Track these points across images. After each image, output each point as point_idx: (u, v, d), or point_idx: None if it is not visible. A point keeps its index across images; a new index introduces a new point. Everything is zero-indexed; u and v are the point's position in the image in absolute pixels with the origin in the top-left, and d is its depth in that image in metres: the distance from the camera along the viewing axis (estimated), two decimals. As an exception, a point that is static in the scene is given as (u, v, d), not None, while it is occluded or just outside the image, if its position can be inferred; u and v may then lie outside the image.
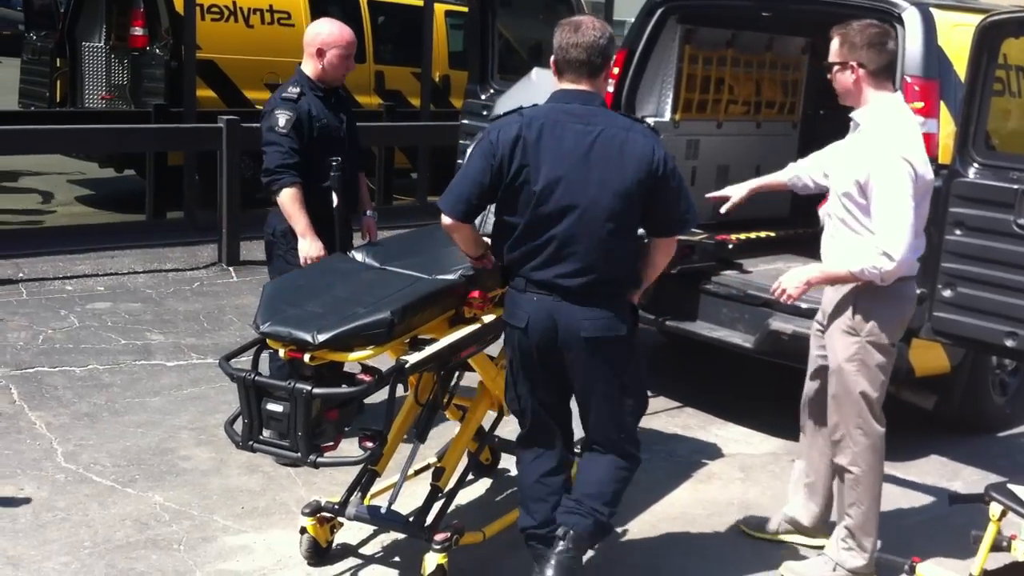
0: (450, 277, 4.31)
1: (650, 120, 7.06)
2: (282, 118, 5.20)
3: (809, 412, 4.89)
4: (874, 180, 4.28)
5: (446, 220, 4.03)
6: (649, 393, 6.90)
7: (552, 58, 4.01)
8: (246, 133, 8.58)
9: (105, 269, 8.76)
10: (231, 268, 9.08)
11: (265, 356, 4.34)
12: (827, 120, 8.56)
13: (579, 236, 3.93)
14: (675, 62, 7.21)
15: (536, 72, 5.41)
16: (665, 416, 6.66)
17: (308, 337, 3.89)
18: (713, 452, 6.20)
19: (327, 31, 5.45)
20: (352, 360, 3.98)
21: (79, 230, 9.80)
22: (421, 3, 11.94)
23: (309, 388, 3.86)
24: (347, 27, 5.51)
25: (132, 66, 11.87)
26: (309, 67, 5.43)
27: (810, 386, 4.87)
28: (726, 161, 7.78)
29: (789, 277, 4.49)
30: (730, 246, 6.79)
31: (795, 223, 7.95)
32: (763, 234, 7.48)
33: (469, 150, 4.05)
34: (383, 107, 12.08)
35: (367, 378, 3.95)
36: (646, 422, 6.01)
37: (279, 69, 11.78)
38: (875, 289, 4.38)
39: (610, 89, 7.06)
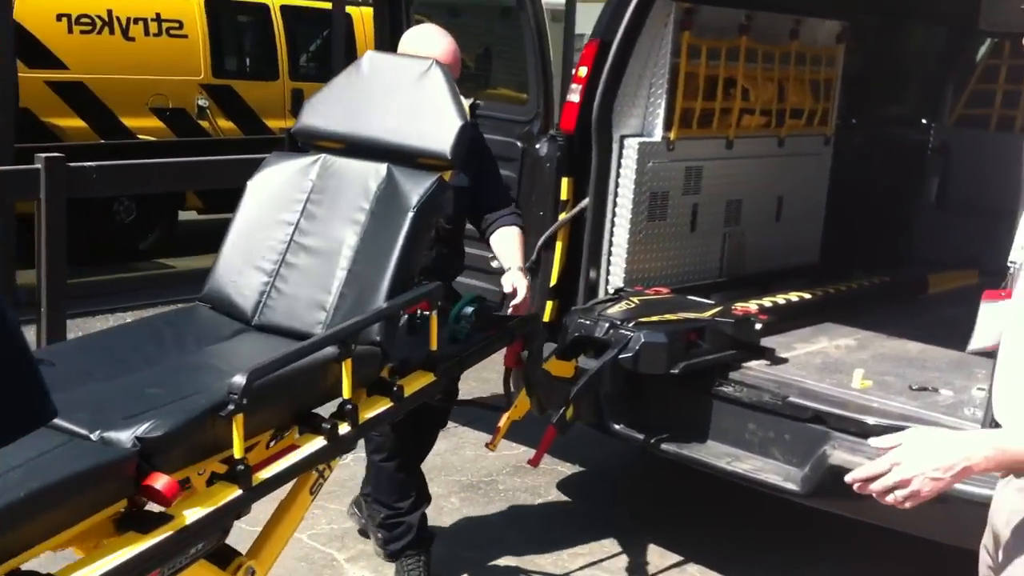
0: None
1: (634, 140, 4.89)
2: None
3: None
4: None
5: None
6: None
7: None
8: (77, 174, 6.24)
9: None
10: (58, 360, 6.62)
11: None
12: (863, 132, 6.58)
13: None
14: (668, 57, 5.03)
15: (370, 58, 3.41)
16: (664, 583, 4.46)
17: None
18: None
19: (409, 39, 4.02)
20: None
21: None
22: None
23: None
24: (445, 36, 3.97)
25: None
26: None
27: None
28: (739, 194, 5.66)
29: (914, 459, 2.06)
30: (758, 325, 4.55)
31: (830, 274, 5.84)
32: (794, 297, 5.29)
33: None
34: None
35: None
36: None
37: (168, 90, 9.59)
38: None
39: (575, 99, 4.89)
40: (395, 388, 2.99)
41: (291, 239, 3.23)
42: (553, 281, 4.95)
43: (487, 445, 4.10)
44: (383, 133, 3.28)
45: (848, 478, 2.16)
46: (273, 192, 3.32)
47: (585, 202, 4.90)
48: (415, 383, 3.10)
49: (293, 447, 2.71)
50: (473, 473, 5.42)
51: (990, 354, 2.70)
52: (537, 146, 4.97)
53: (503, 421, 3.99)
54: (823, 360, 4.66)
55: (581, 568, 4.57)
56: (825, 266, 5.98)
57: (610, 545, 4.78)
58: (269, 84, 10.36)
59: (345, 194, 3.22)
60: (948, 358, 4.67)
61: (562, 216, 4.91)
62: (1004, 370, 2.28)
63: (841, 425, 4.03)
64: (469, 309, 3.47)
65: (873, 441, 2.17)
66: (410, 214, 3.06)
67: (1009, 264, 2.50)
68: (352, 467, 4.89)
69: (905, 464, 2.05)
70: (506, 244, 3.99)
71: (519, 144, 5.00)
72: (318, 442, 2.74)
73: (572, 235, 4.96)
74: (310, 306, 3.10)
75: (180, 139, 9.58)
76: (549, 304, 4.95)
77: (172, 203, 9.46)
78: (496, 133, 5.03)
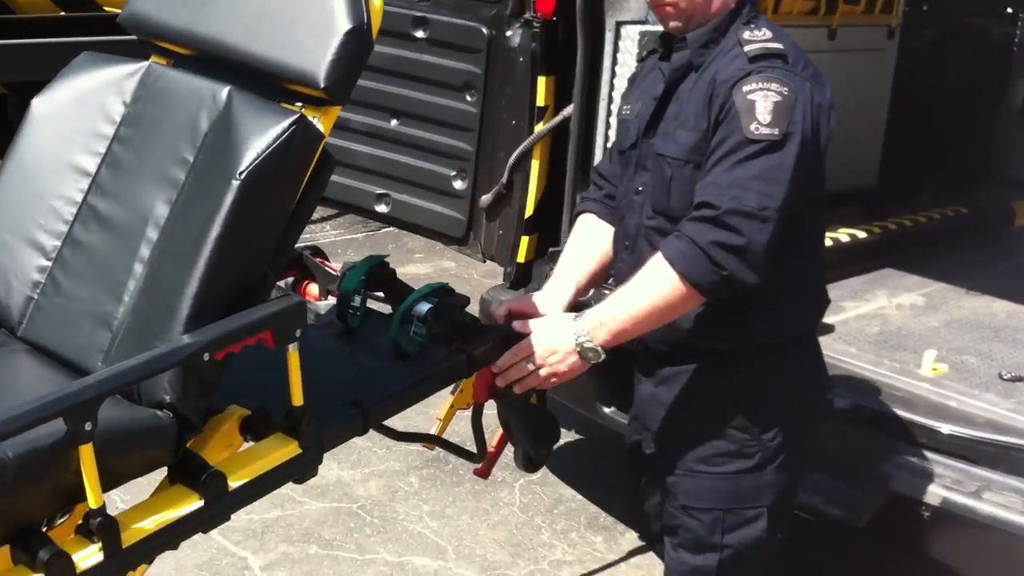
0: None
1: (634, 29, 3.71)
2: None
3: None
4: None
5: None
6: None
7: None
8: None
9: None
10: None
11: None
12: (936, 22, 5.37)
13: None
14: (678, -87, 3.77)
15: None
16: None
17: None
18: None
19: None
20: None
21: None
22: None
23: None
24: None
25: None
26: None
27: None
28: (775, 99, 4.36)
29: None
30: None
31: (892, 201, 4.68)
32: (844, 235, 4.18)
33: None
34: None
35: None
36: None
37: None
38: None
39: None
40: (204, 476, 1.86)
41: (84, 199, 2.10)
42: (529, 211, 3.86)
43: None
44: (231, 35, 2.08)
45: None
46: (69, 120, 2.18)
47: (569, 109, 3.75)
48: (255, 461, 1.94)
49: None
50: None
51: None
52: (508, 33, 3.82)
53: (443, 412, 2.79)
54: (881, 329, 3.51)
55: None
56: (885, 191, 4.81)
57: (601, 550, 3.77)
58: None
59: (165, 132, 2.06)
60: (1049, 326, 3.54)
61: (539, 127, 3.78)
62: None
63: (907, 434, 2.93)
64: (425, 306, 2.25)
65: None
66: (234, 183, 1.86)
67: None
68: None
69: None
70: (599, 255, 2.56)
71: (485, 30, 3.86)
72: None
73: (554, 151, 3.83)
74: (91, 320, 1.99)
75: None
76: (525, 241, 3.89)
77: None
78: (456, 15, 3.93)
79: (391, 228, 5.34)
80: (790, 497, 2.42)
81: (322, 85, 1.93)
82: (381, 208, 4.18)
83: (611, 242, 2.51)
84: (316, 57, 1.93)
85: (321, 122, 1.98)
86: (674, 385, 2.37)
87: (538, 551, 3.72)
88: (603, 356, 2.21)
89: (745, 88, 2.15)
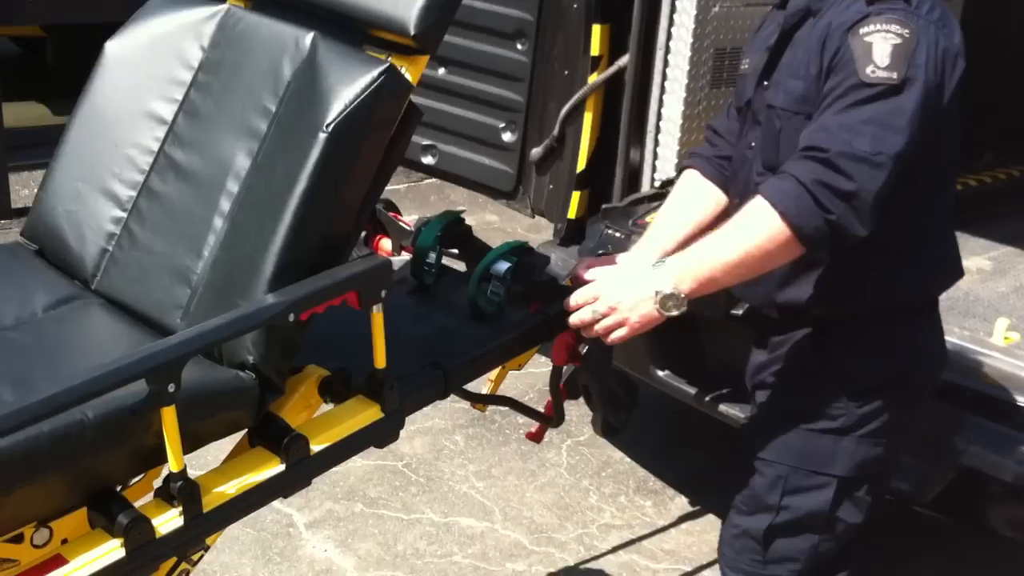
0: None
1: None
2: None
3: None
4: None
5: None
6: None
7: None
8: None
9: None
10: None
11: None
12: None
13: None
14: None
15: None
16: None
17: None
18: None
19: None
20: None
21: None
22: None
23: None
24: None
25: None
26: None
27: None
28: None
29: None
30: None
31: None
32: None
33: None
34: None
35: None
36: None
37: None
38: None
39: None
40: (286, 440, 1.79)
41: (161, 148, 2.02)
42: (581, 165, 3.74)
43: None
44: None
45: None
46: (144, 65, 2.09)
47: (624, 59, 3.61)
48: (336, 425, 1.88)
49: (58, 561, 1.58)
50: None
51: None
52: (561, -22, 3.66)
53: (495, 372, 2.68)
54: (948, 295, 3.29)
55: (614, 550, 3.50)
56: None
57: (650, 514, 3.67)
58: None
59: (245, 79, 1.97)
60: (1125, 291, 3.38)
61: (593, 77, 3.63)
62: None
63: (978, 405, 2.80)
64: (504, 265, 2.18)
65: None
66: (321, 135, 1.78)
67: None
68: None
69: None
70: (697, 217, 2.36)
71: (536, -24, 3.71)
72: (109, 550, 1.62)
73: (607, 104, 3.70)
74: (169, 274, 1.92)
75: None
76: (576, 196, 3.77)
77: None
78: (506, -41, 3.78)
79: (434, 179, 5.22)
80: (871, 477, 2.24)
81: (412, 33, 1.84)
82: (427, 160, 4.06)
83: (710, 204, 2.37)
84: (406, 3, 1.84)
85: (409, 72, 1.89)
86: (780, 348, 2.24)
87: (586, 514, 3.65)
88: (686, 307, 2.03)
89: (862, 31, 1.97)
